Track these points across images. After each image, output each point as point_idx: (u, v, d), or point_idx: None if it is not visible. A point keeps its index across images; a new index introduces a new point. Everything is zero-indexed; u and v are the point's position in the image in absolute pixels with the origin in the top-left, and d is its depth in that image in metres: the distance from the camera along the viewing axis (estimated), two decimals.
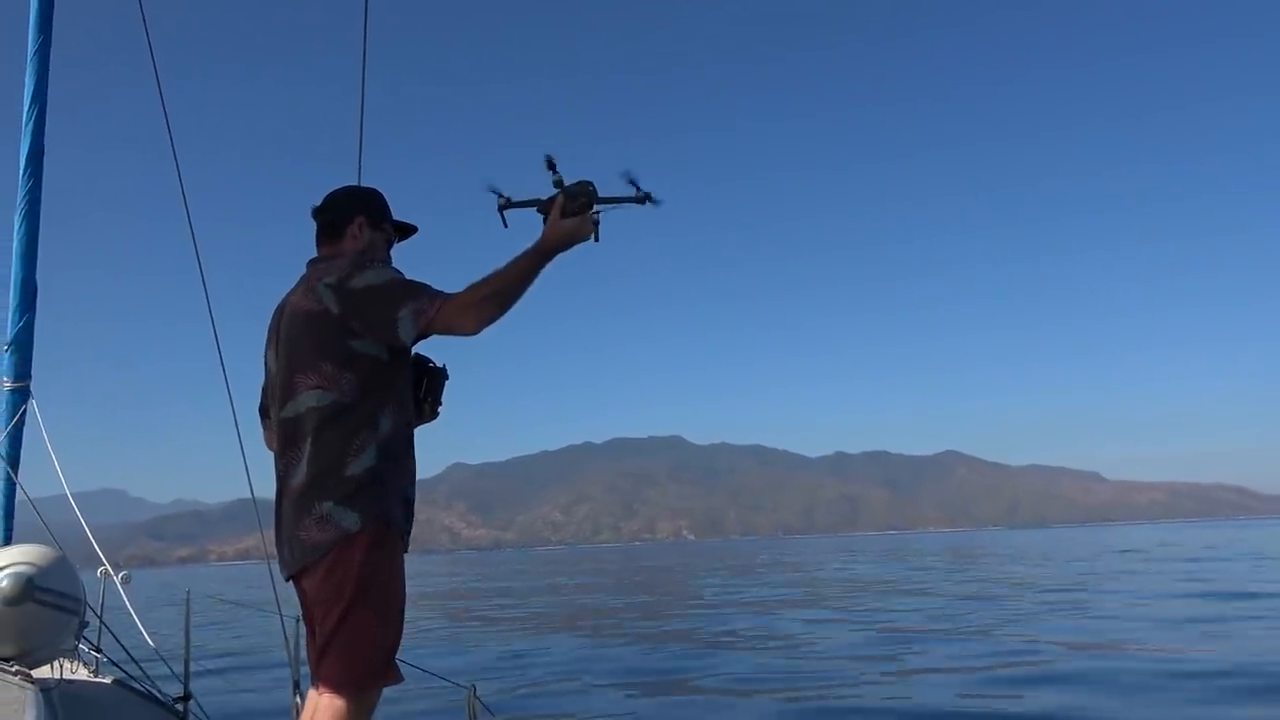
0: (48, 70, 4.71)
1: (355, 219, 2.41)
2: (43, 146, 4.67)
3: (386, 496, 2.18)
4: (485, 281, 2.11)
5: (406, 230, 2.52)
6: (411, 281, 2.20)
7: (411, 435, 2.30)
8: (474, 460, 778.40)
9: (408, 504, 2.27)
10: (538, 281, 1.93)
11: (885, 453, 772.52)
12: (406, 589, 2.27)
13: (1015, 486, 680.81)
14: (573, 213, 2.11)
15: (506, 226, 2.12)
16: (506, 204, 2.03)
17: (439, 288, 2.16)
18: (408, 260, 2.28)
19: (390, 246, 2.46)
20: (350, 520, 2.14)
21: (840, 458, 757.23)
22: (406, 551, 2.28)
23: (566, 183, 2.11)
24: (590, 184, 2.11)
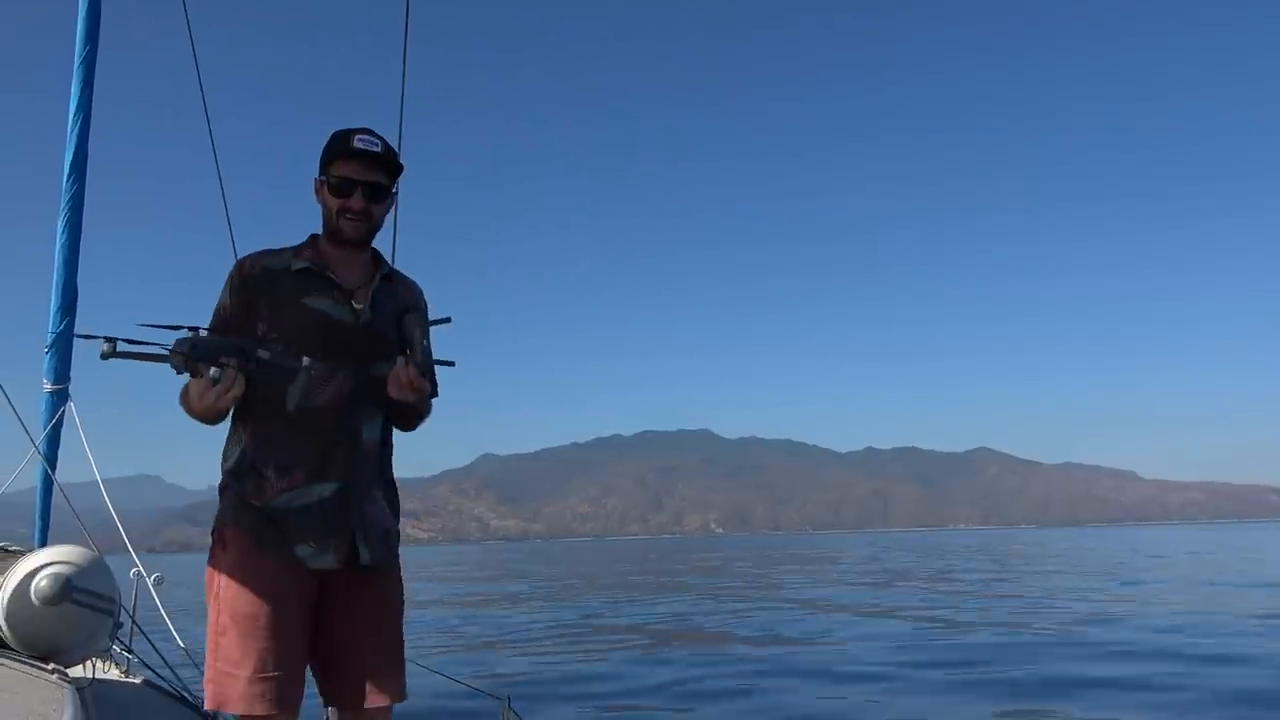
0: (93, 79, 4.71)
1: (316, 180, 2.23)
2: (86, 154, 4.69)
3: None
4: (183, 393, 2.05)
5: (370, 157, 2.18)
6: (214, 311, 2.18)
7: None
8: (503, 451, 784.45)
9: None
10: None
11: (916, 449, 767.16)
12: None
13: (1048, 484, 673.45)
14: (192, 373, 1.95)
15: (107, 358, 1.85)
16: (111, 352, 1.80)
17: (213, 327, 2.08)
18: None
19: (338, 192, 2.18)
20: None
21: (871, 453, 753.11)
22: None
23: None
24: (190, 343, 1.91)
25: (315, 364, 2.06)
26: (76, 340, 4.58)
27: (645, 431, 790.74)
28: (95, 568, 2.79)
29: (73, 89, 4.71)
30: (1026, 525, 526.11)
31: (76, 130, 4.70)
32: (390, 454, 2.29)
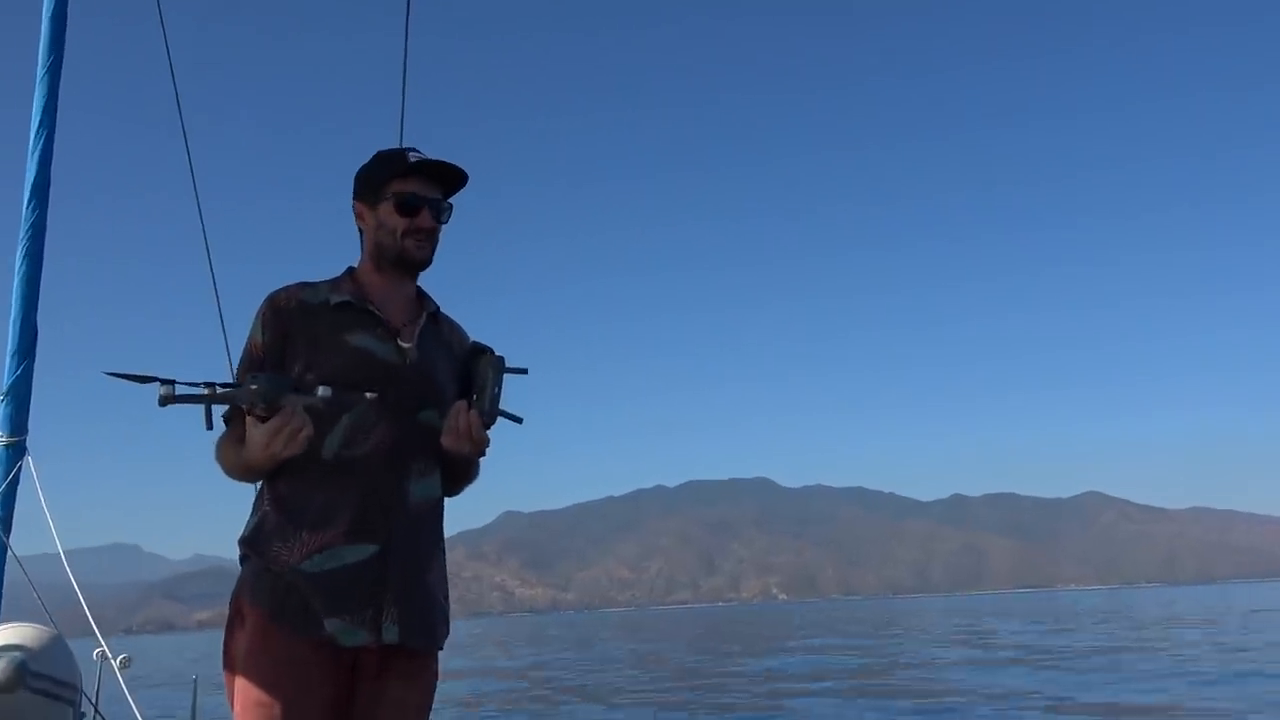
0: (58, 92, 4.69)
1: (354, 209, 2.34)
2: (49, 178, 4.68)
3: None
4: (221, 444, 2.14)
5: (441, 174, 2.29)
6: (242, 352, 2.24)
7: None
8: (528, 508, 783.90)
9: None
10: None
11: (1013, 495, 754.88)
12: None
13: (1174, 533, 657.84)
14: (260, 417, 1.99)
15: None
16: (169, 397, 1.84)
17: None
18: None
19: (403, 209, 2.25)
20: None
21: (959, 501, 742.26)
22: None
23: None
24: (260, 382, 1.95)
25: (372, 401, 2.09)
26: (37, 386, 4.55)
27: (692, 481, 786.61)
28: (53, 649, 2.81)
29: (35, 103, 4.68)
30: (1151, 583, 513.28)
31: (39, 150, 4.67)
32: (443, 519, 2.31)
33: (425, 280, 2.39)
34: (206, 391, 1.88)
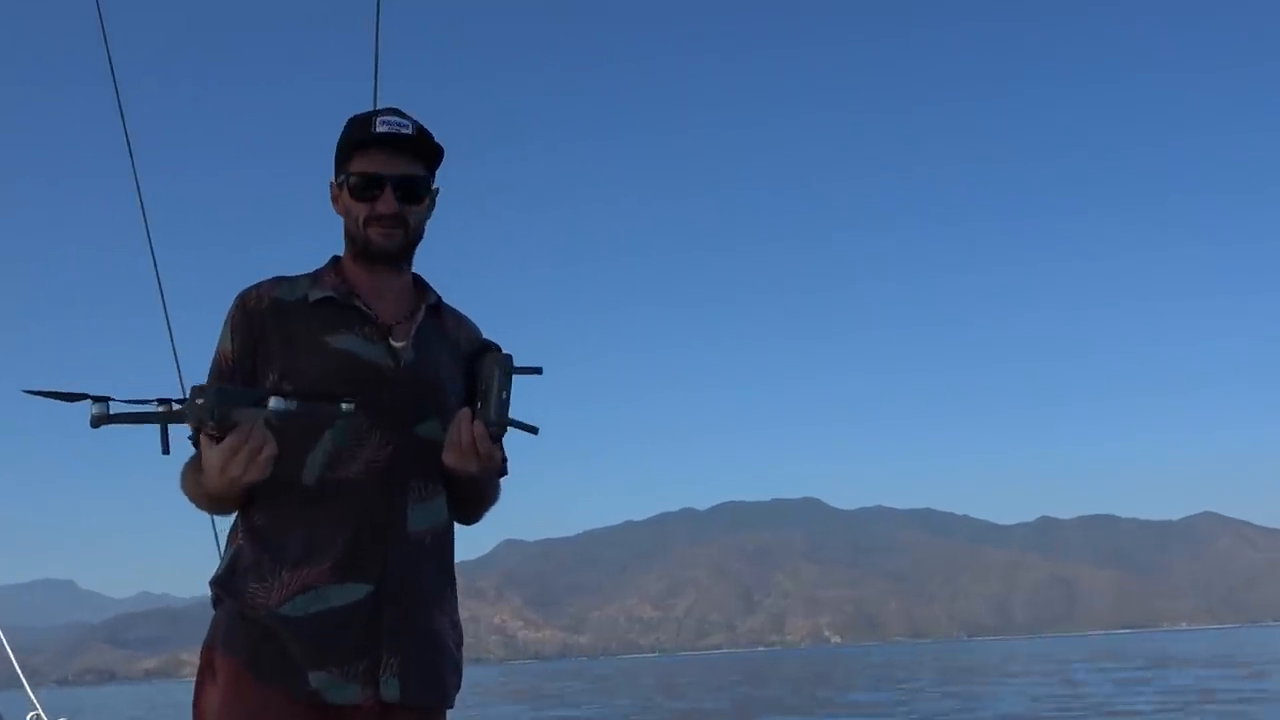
0: None
1: (330, 186, 2.28)
2: None
3: None
4: (186, 470, 2.10)
5: (388, 141, 2.20)
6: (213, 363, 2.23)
7: None
8: (532, 535, 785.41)
9: None
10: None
11: (1112, 517, 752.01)
12: None
13: None
14: (213, 437, 1.94)
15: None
16: (104, 417, 1.82)
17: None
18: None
19: (358, 192, 2.19)
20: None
21: (1047, 525, 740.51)
22: None
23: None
24: (207, 396, 1.88)
25: (353, 414, 1.99)
26: None
27: (728, 503, 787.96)
28: None
29: None
30: (1277, 622, 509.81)
31: None
32: (453, 550, 2.27)
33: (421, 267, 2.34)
34: (152, 409, 1.85)
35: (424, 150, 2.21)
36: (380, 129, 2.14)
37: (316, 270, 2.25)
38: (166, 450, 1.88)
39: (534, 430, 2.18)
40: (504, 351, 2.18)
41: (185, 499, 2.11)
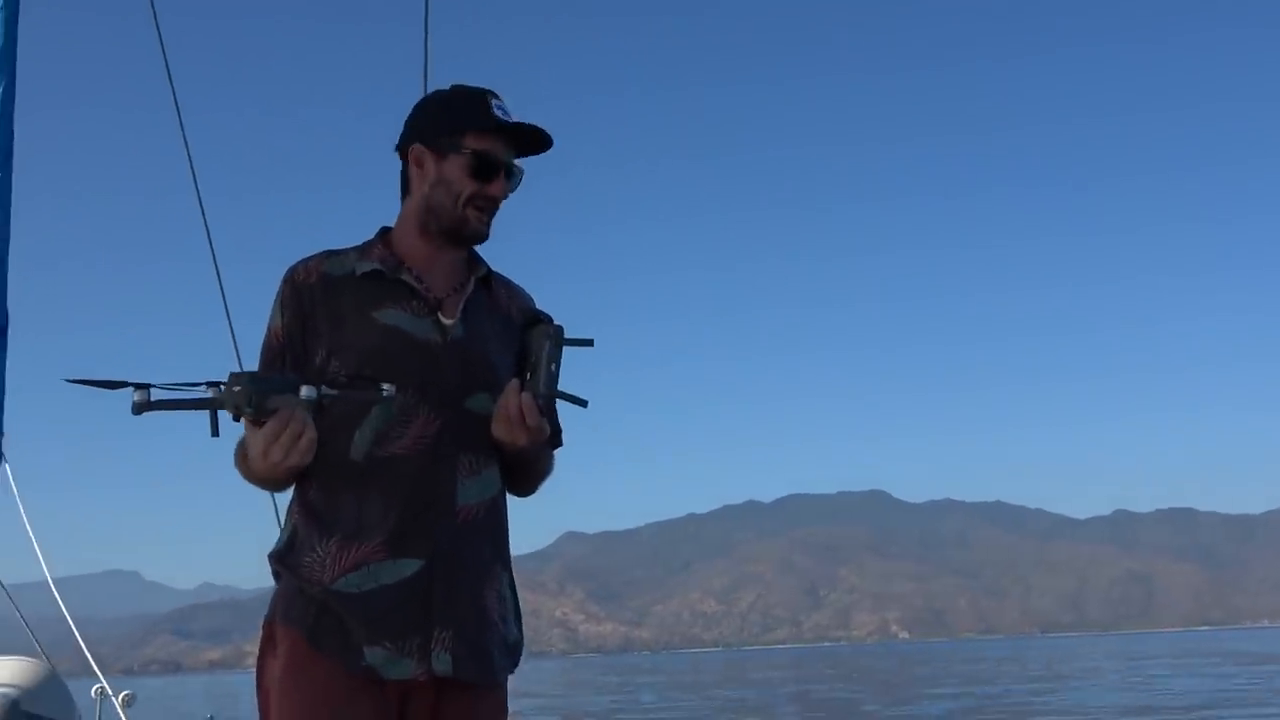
0: (16, 24, 4.57)
1: (410, 150, 2.27)
2: (12, 132, 4.59)
3: None
4: (241, 452, 2.14)
5: (529, 138, 2.27)
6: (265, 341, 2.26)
7: None
8: (592, 528, 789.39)
9: None
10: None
11: (1191, 510, 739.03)
12: None
13: None
14: (254, 423, 1.99)
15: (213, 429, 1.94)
16: (145, 403, 1.85)
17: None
18: None
19: (477, 172, 2.20)
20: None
21: (1124, 518, 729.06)
22: None
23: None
24: (242, 383, 1.91)
25: (397, 393, 2.03)
26: (9, 383, 4.55)
27: (793, 495, 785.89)
28: (48, 686, 2.89)
29: None
30: None
31: None
32: (506, 525, 2.29)
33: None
34: (195, 395, 1.89)
35: (529, 148, 2.27)
36: (508, 118, 2.20)
37: (364, 243, 2.26)
38: (216, 433, 1.92)
39: (583, 403, 2.21)
40: (555, 323, 2.20)
41: (240, 477, 2.18)
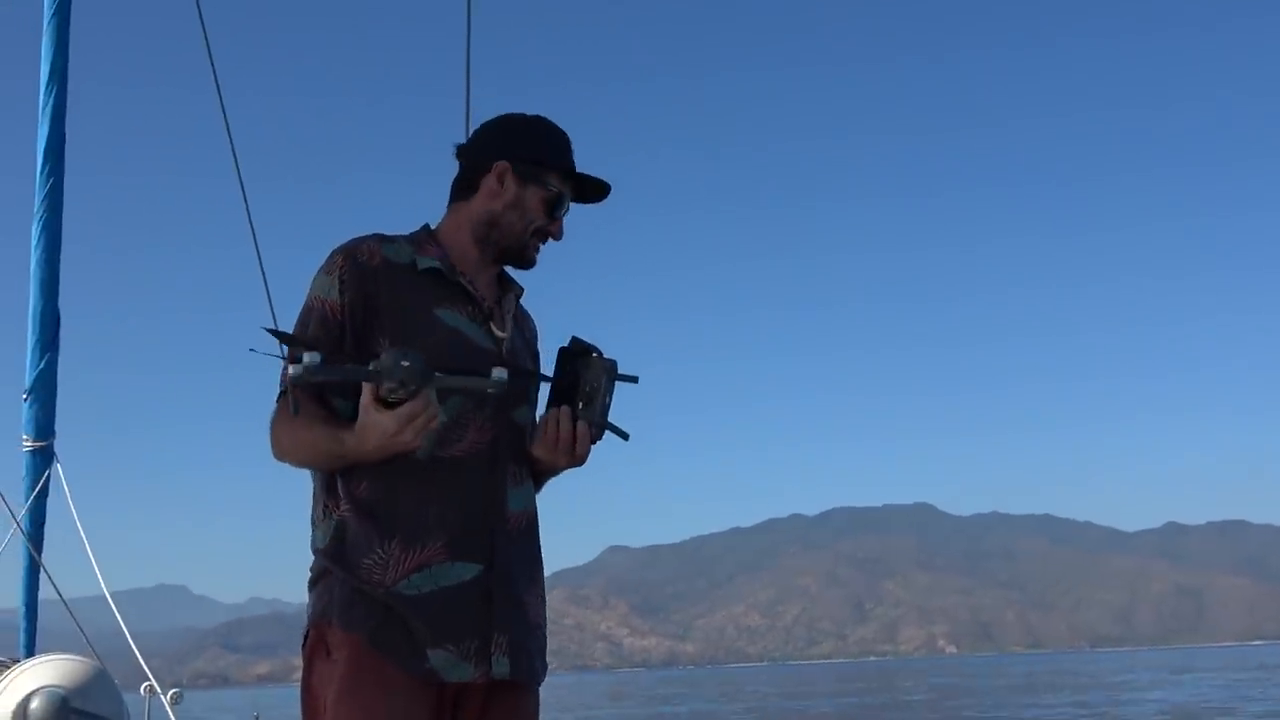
0: (68, 38, 4.53)
1: (495, 165, 2.28)
2: (64, 135, 4.56)
3: None
4: (291, 425, 2.10)
5: (592, 189, 2.38)
6: (302, 314, 2.21)
7: None
8: (637, 542, 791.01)
9: None
10: None
11: (1243, 523, 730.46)
12: None
13: None
14: (391, 402, 1.96)
15: (296, 413, 2.02)
16: (315, 368, 1.84)
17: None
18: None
19: (553, 210, 2.29)
20: None
21: (1174, 531, 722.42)
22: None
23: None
24: (411, 359, 1.90)
25: (501, 383, 1.99)
26: (62, 382, 4.47)
27: (837, 509, 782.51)
28: (98, 684, 2.93)
29: (43, 53, 4.56)
30: None
31: (50, 107, 4.56)
32: (538, 534, 2.32)
33: None
34: (356, 368, 1.92)
35: (579, 197, 2.37)
36: (586, 173, 2.33)
37: (414, 234, 2.28)
38: (296, 411, 1.98)
39: (626, 436, 2.24)
40: (608, 357, 2.23)
41: (271, 448, 2.15)
